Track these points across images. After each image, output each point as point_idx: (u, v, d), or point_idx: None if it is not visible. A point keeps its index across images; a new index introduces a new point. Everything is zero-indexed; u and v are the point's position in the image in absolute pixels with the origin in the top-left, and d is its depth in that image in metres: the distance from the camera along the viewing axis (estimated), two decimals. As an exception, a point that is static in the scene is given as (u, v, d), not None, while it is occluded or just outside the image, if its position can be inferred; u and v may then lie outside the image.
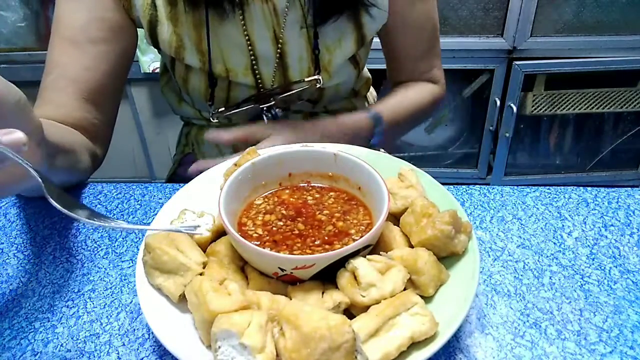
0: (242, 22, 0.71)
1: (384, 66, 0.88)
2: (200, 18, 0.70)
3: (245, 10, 0.70)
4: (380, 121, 0.77)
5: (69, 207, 0.40)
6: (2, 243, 0.60)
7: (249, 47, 0.73)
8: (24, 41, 1.73)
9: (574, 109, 1.76)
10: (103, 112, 0.72)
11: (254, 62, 0.74)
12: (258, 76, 0.75)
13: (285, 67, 0.75)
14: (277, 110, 0.78)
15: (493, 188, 0.64)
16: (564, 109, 1.76)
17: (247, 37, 0.72)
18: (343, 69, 0.77)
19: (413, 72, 0.86)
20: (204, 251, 0.49)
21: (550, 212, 0.60)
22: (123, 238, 0.59)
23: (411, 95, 0.84)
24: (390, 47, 0.84)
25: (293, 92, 0.75)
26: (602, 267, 0.53)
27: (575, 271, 0.53)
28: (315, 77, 0.75)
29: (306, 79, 0.75)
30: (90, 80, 0.69)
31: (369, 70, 0.93)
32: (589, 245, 0.56)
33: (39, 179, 0.40)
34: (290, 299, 0.44)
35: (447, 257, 0.47)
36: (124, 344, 0.47)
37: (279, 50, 0.74)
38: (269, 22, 0.72)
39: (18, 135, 0.38)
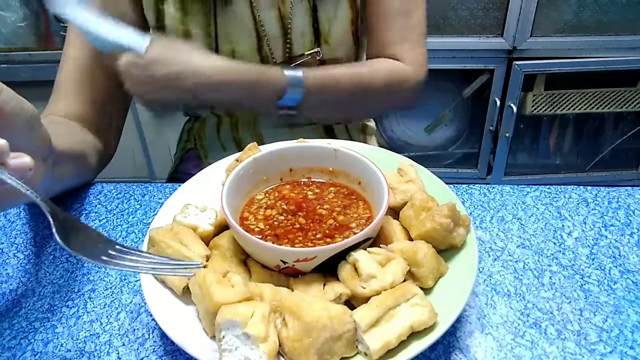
0: (252, 4, 0.72)
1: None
2: (208, 3, 0.71)
3: None
4: (300, 83, 0.67)
5: (83, 247, 0.39)
6: (2, 243, 0.60)
7: (257, 27, 0.74)
8: (24, 41, 1.73)
9: (574, 109, 1.76)
10: (112, 107, 0.74)
11: (260, 41, 0.75)
12: (264, 56, 0.76)
13: (290, 43, 0.76)
14: None
15: (493, 188, 0.64)
16: (564, 109, 1.76)
17: (254, 18, 0.73)
18: (343, 40, 0.77)
19: (378, 45, 0.78)
20: (207, 245, 0.50)
21: (550, 212, 0.60)
22: (123, 238, 0.59)
23: (357, 68, 0.75)
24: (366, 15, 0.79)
25: (295, 64, 0.76)
26: (602, 267, 0.53)
27: (575, 271, 0.53)
28: (316, 49, 0.76)
29: (306, 52, 0.76)
30: (101, 73, 0.70)
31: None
32: (589, 245, 0.56)
33: (50, 217, 0.39)
34: (292, 291, 0.45)
35: (446, 250, 0.48)
36: (124, 344, 0.47)
37: (283, 28, 0.75)
38: (274, 1, 0.73)
39: (25, 160, 0.39)
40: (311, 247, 0.47)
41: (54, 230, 0.38)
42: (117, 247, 0.41)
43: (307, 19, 0.75)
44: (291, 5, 0.73)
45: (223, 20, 0.72)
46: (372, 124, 0.96)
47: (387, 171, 0.52)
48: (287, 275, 0.47)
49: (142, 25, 0.73)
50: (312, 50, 0.75)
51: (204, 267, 0.46)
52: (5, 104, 0.39)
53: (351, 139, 0.87)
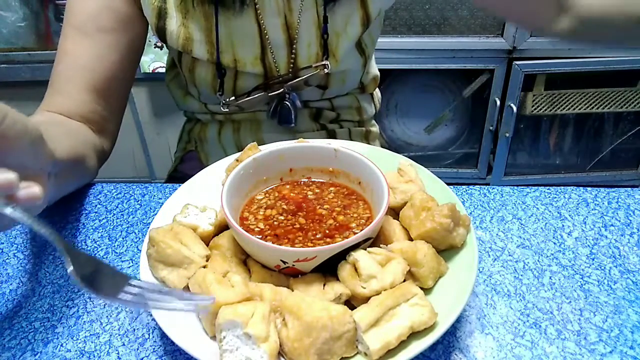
0: (257, 10, 0.71)
1: (386, 66, 0.86)
2: (210, 8, 0.70)
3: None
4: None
5: (100, 286, 0.39)
6: (2, 243, 0.60)
7: (261, 35, 0.72)
8: (24, 41, 1.73)
9: (574, 109, 1.76)
10: (111, 103, 0.73)
11: (264, 51, 0.74)
12: (267, 65, 0.75)
13: (295, 53, 0.75)
14: (293, 94, 0.77)
15: (493, 188, 0.64)
16: (564, 109, 1.76)
17: (259, 26, 0.72)
18: (350, 54, 0.77)
19: None
20: (207, 245, 0.50)
21: (550, 212, 0.60)
22: (123, 238, 0.59)
23: None
24: None
25: (301, 78, 0.75)
26: (602, 267, 0.53)
27: (575, 271, 0.53)
28: (323, 62, 0.74)
29: (314, 65, 0.74)
30: (99, 70, 0.69)
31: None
32: (589, 245, 0.56)
33: (66, 255, 0.39)
34: (292, 291, 0.45)
35: (446, 249, 0.48)
36: (124, 344, 0.47)
37: (289, 37, 0.73)
38: (280, 9, 0.71)
39: (34, 190, 0.39)
40: (311, 247, 0.47)
41: (71, 269, 0.38)
42: (131, 282, 0.40)
43: (315, 30, 0.73)
44: (299, 14, 0.72)
45: (226, 26, 0.71)
46: (375, 128, 0.94)
47: (387, 171, 0.52)
48: (287, 275, 0.47)
49: (135, 18, 0.71)
50: (320, 63, 0.74)
51: (204, 267, 0.46)
52: (10, 128, 0.38)
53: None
